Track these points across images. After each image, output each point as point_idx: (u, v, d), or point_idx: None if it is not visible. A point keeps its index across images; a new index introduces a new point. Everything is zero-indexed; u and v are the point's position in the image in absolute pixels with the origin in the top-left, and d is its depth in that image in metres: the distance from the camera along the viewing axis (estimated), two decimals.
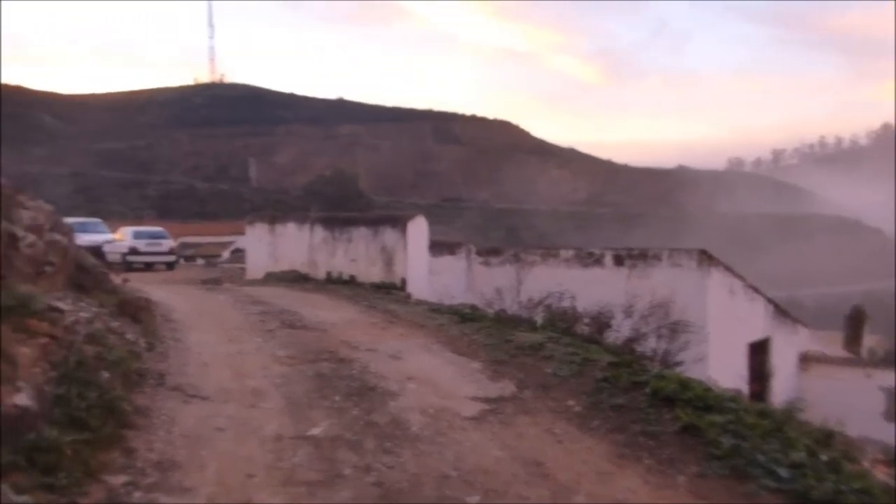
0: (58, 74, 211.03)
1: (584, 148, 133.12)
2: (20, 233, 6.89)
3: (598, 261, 14.65)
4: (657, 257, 14.17)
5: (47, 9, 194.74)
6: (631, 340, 10.70)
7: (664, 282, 13.47)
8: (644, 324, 11.28)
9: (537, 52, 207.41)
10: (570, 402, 6.69)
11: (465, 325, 10.33)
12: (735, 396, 6.79)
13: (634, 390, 6.73)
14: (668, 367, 8.93)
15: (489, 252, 16.90)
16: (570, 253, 15.19)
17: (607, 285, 13.51)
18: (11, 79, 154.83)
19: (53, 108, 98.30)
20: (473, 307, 12.29)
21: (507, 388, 7.22)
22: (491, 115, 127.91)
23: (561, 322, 10.59)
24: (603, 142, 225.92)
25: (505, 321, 10.61)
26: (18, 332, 5.28)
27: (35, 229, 7.61)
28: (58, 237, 8.33)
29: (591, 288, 13.18)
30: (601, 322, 10.93)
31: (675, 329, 11.22)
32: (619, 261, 14.42)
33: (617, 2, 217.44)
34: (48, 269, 7.26)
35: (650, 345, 10.85)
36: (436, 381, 7.39)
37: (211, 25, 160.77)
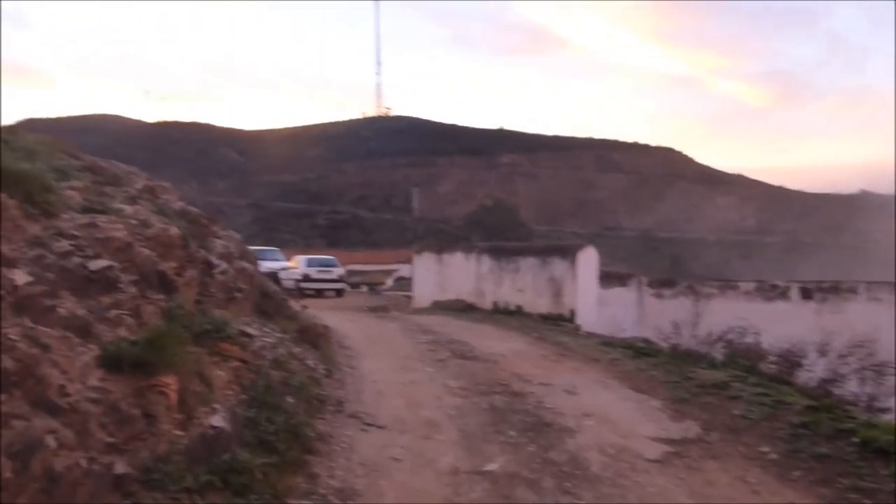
0: (241, 112, 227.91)
1: (753, 174, 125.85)
2: (214, 260, 7.28)
3: (783, 294, 13.58)
4: (852, 290, 12.91)
5: (232, 53, 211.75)
6: (827, 382, 9.79)
7: (862, 318, 12.24)
8: (842, 364, 10.28)
9: (701, 76, 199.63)
10: (765, 449, 6.15)
11: (640, 359, 9.89)
12: None
13: (839, 439, 6.10)
14: (873, 413, 8.06)
15: (662, 283, 16.18)
16: (751, 285, 14.21)
17: (794, 320, 12.50)
18: (202, 117, 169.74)
19: (237, 144, 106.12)
20: (647, 341, 11.78)
21: (691, 429, 6.77)
22: (653, 143, 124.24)
23: (743, 359, 9.87)
24: (774, 167, 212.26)
25: (682, 357, 10.07)
26: (213, 356, 5.52)
27: (226, 257, 8.04)
28: (245, 264, 8.78)
29: (776, 323, 12.27)
30: (791, 361, 10.10)
31: (880, 371, 10.15)
32: (806, 294, 13.30)
33: (787, 21, 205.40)
34: (238, 295, 7.61)
35: (850, 388, 9.87)
36: (614, 418, 7.05)
37: (378, 62, 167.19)
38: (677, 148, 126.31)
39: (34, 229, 4.72)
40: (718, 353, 10.63)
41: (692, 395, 7.85)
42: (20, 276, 3.74)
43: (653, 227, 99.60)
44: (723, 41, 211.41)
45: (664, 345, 11.40)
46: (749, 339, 11.11)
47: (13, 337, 3.27)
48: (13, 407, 3.04)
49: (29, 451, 2.96)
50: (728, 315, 13.04)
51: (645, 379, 8.80)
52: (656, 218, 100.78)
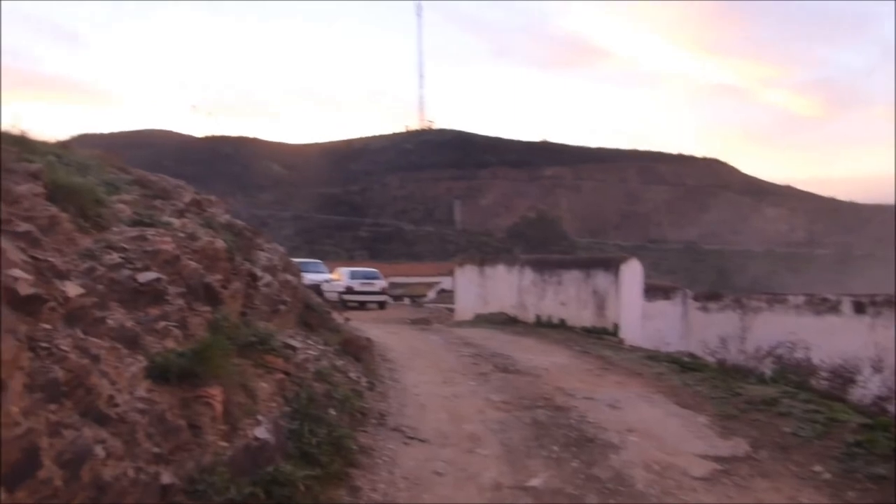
0: (286, 126, 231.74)
1: (802, 185, 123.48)
2: (259, 272, 7.37)
3: (834, 308, 13.18)
4: None
5: (277, 69, 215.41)
6: (882, 399, 9.47)
7: None
8: None
9: (747, 86, 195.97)
10: (817, 468, 5.97)
11: (685, 374, 9.72)
12: None
13: None
14: None
15: (707, 296, 15.86)
16: (801, 299, 13.82)
17: (847, 335, 12.11)
18: (248, 131, 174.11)
19: (281, 157, 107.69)
20: (693, 355, 11.56)
21: (739, 446, 6.61)
22: (698, 154, 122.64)
23: (794, 375, 9.62)
24: (825, 178, 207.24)
25: (729, 372, 9.84)
26: (258, 368, 5.58)
27: (270, 269, 8.14)
28: (289, 277, 8.88)
29: (827, 338, 11.93)
30: (844, 377, 9.80)
31: None
32: (859, 308, 12.88)
33: (835, 28, 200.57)
34: (282, 307, 7.69)
35: None
36: (659, 434, 6.92)
37: (421, 76, 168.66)
38: (723, 159, 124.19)
39: (86, 242, 4.83)
40: (767, 369, 10.37)
41: (740, 412, 7.67)
42: (72, 288, 3.82)
43: (698, 239, 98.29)
44: (769, 50, 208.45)
45: (710, 359, 11.16)
46: (799, 355, 10.81)
47: (64, 347, 3.34)
48: (64, 416, 3.10)
49: (79, 460, 3.02)
50: (777, 329, 12.72)
51: (691, 394, 8.64)
52: (702, 230, 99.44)
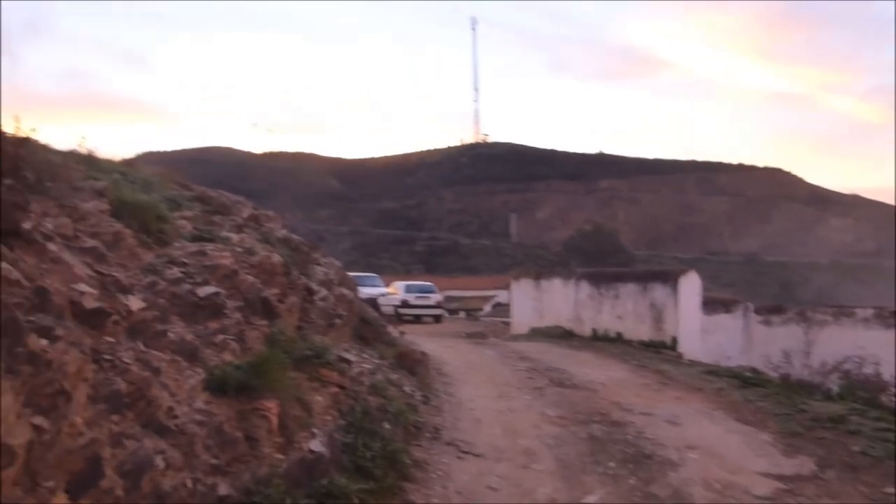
0: (343, 142, 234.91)
1: (869, 193, 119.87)
2: (315, 286, 7.46)
3: None
4: None
5: (335, 84, 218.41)
6: None
7: None
8: None
9: (810, 93, 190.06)
10: (890, 489, 5.75)
11: (747, 390, 9.47)
12: None
13: None
14: None
15: (770, 310, 15.42)
16: (870, 312, 13.32)
17: None
18: (306, 147, 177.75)
19: (338, 173, 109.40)
20: (754, 370, 11.26)
21: (804, 465, 6.40)
22: (759, 163, 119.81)
23: (862, 391, 9.29)
24: (893, 186, 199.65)
25: (793, 387, 9.56)
26: (313, 381, 5.64)
27: (326, 283, 8.24)
28: (345, 291, 8.97)
29: None
30: None
31: None
32: None
33: None
34: (337, 321, 7.77)
35: None
36: (720, 451, 6.75)
37: (476, 90, 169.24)
38: (786, 168, 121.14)
39: (148, 257, 4.97)
40: (834, 385, 10.03)
41: (805, 429, 7.44)
42: (134, 302, 3.93)
43: (760, 250, 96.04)
44: (833, 56, 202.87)
45: (773, 374, 10.85)
46: (868, 370, 10.42)
47: (127, 360, 3.43)
48: (125, 427, 3.18)
49: (139, 471, 3.08)
50: (844, 343, 12.29)
51: (753, 410, 8.40)
52: (763, 241, 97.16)
